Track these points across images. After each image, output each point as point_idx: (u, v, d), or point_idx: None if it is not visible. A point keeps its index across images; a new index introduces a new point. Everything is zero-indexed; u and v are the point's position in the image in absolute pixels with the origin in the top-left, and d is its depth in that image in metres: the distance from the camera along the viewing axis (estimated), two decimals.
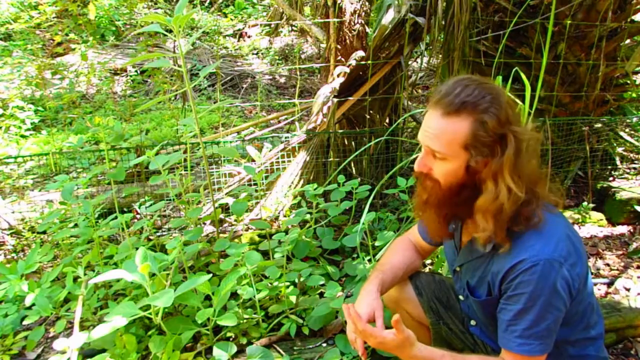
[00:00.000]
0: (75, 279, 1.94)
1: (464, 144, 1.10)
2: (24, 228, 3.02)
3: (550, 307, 1.11)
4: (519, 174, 1.10)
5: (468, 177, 1.13)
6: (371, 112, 3.39)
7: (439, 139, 1.11)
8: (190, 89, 2.03)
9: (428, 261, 2.52)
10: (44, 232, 2.87)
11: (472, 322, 1.45)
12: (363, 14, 3.17)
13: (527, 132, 1.12)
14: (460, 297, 1.44)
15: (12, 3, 6.65)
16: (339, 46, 3.19)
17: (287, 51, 7.74)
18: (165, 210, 3.35)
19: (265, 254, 2.34)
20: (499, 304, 1.20)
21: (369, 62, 3.07)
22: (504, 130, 1.09)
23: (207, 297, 1.92)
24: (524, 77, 1.98)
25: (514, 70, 2.23)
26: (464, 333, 1.48)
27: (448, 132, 1.10)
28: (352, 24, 3.15)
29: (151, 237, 2.55)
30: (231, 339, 1.90)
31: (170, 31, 1.96)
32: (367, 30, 3.27)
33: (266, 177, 2.82)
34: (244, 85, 6.62)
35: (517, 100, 1.98)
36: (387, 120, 3.49)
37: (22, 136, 5.03)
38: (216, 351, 1.70)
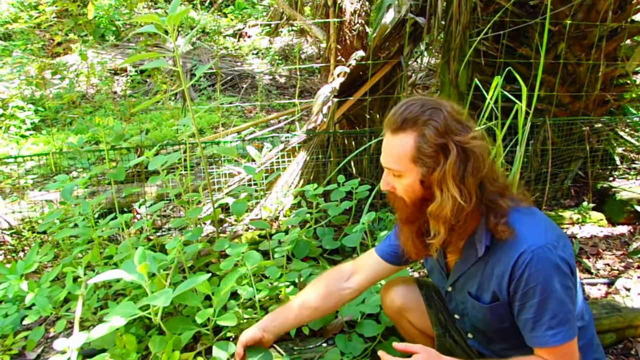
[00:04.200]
0: (75, 279, 1.93)
1: (412, 158, 1.16)
2: (24, 228, 3.02)
3: (563, 288, 1.13)
4: (465, 182, 1.13)
5: (425, 190, 1.18)
6: (371, 112, 3.39)
7: (390, 156, 1.19)
8: (187, 88, 2.03)
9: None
10: (44, 232, 2.87)
11: (470, 335, 1.44)
12: (363, 14, 3.17)
13: (473, 140, 1.15)
14: (456, 317, 1.43)
15: (12, 3, 6.65)
16: (339, 46, 3.19)
17: (287, 51, 7.74)
18: (165, 210, 3.35)
19: (265, 254, 2.34)
20: (514, 307, 1.19)
21: (369, 62, 3.06)
22: (444, 140, 1.13)
23: (207, 297, 1.91)
24: (518, 77, 1.98)
25: (506, 69, 2.23)
26: (469, 346, 1.47)
27: (396, 148, 1.17)
28: (352, 24, 3.15)
29: (151, 237, 2.55)
30: (231, 339, 1.89)
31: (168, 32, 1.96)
32: (367, 30, 3.27)
33: (266, 177, 2.82)
34: (244, 85, 6.62)
35: (512, 98, 1.99)
36: None
37: (22, 136, 5.03)
38: (216, 351, 1.70)
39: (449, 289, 1.38)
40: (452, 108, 1.17)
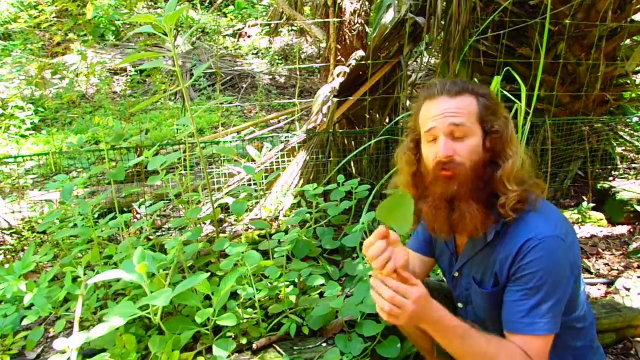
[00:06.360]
0: (75, 279, 1.93)
1: (479, 117, 1.21)
2: (24, 228, 3.02)
3: (558, 284, 1.13)
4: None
5: (486, 153, 1.20)
6: (371, 112, 3.39)
7: (460, 113, 1.20)
8: (185, 88, 2.02)
9: None
10: (44, 232, 2.87)
11: None
12: (363, 14, 3.17)
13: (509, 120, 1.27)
14: (460, 305, 1.43)
15: (12, 3, 6.65)
16: (339, 46, 3.19)
17: (287, 51, 7.74)
18: (165, 210, 3.35)
19: (265, 254, 2.34)
20: (507, 288, 1.19)
21: (369, 62, 3.06)
22: (499, 109, 1.24)
23: (207, 297, 1.92)
24: (518, 77, 1.98)
25: (505, 69, 2.22)
26: None
27: (464, 106, 1.21)
28: (352, 24, 3.15)
29: (151, 237, 2.55)
30: (231, 339, 1.89)
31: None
32: (367, 30, 3.27)
33: (266, 177, 2.82)
34: (244, 85, 6.62)
35: (512, 98, 1.99)
36: (387, 120, 3.49)
37: (22, 136, 5.03)
38: (216, 351, 1.70)
39: (456, 274, 1.38)
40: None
